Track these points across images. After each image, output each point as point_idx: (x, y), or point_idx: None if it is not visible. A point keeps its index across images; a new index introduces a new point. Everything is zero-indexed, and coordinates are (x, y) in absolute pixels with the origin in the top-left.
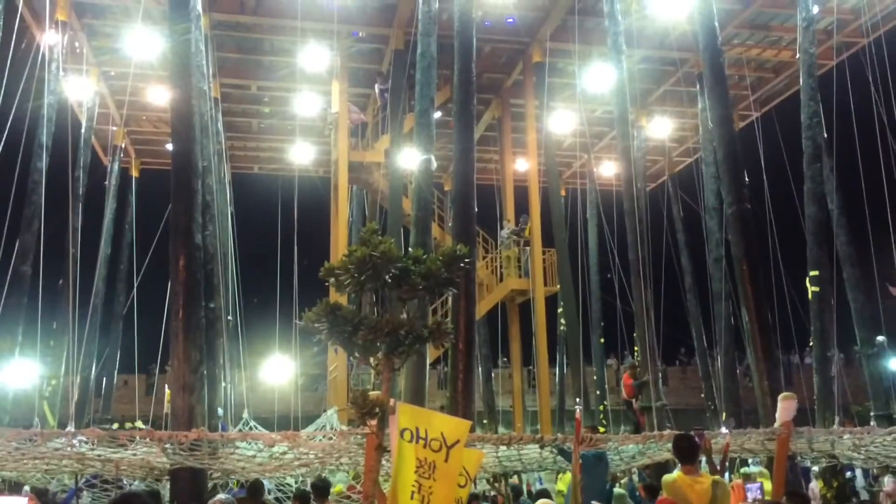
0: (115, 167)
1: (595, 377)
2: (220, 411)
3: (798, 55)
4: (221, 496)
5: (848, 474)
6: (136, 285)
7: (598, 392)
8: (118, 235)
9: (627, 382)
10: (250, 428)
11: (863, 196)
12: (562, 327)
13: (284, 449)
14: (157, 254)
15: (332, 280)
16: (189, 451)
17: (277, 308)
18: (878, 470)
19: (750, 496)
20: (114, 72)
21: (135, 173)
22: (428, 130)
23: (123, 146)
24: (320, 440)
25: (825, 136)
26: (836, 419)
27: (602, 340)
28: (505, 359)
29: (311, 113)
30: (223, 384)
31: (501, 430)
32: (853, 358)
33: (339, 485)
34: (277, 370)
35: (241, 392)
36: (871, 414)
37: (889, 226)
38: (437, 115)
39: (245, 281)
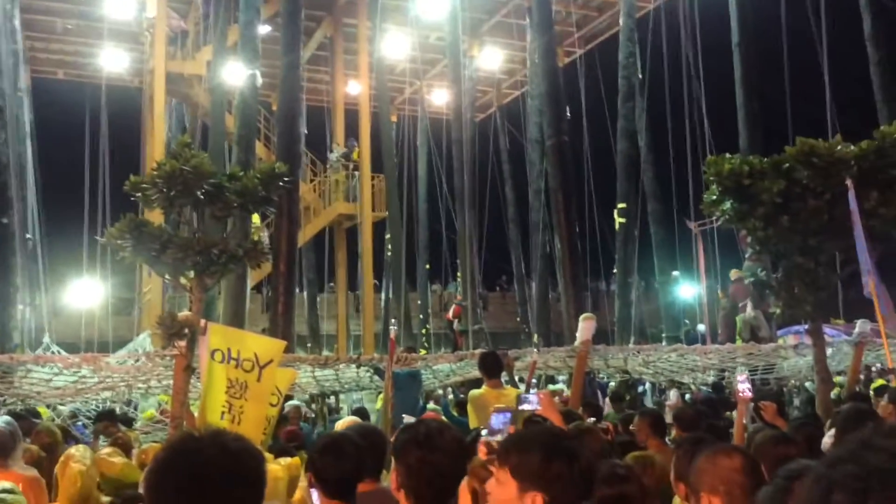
0: None
1: (419, 302)
2: (18, 338)
3: None
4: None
5: (640, 389)
6: None
7: (421, 316)
8: None
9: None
10: (52, 353)
11: (668, 136)
12: (389, 253)
13: (86, 372)
14: None
15: (139, 196)
16: None
17: (85, 227)
18: (666, 384)
19: (526, 406)
20: None
21: None
22: (253, 44)
23: None
24: (126, 363)
25: (640, 76)
26: (632, 339)
27: (427, 266)
28: (331, 283)
29: (125, 15)
30: (20, 307)
31: (326, 353)
32: (652, 285)
33: (150, 409)
34: (85, 293)
35: (42, 315)
36: (663, 335)
37: (688, 166)
38: (267, 29)
39: (48, 197)
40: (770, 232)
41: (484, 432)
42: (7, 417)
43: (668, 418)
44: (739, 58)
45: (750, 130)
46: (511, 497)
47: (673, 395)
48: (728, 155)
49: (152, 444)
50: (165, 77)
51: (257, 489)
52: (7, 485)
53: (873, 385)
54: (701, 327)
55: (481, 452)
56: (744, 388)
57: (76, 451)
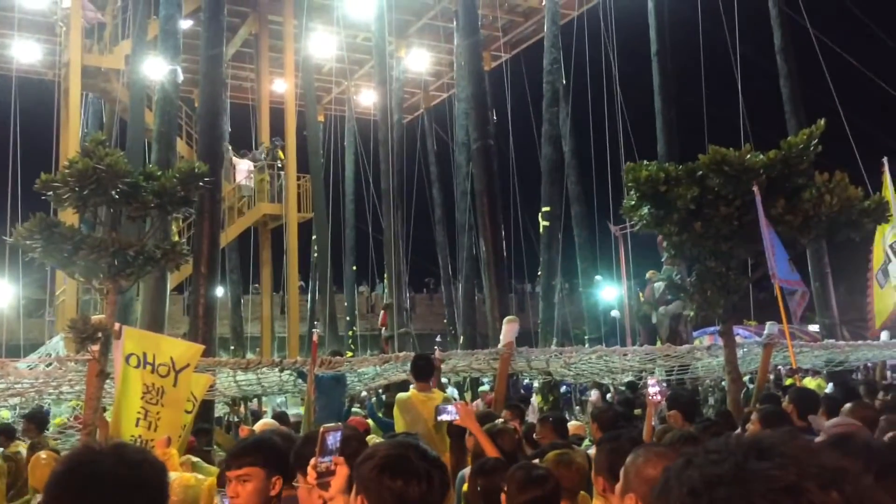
0: None
1: (346, 304)
2: None
3: (544, 1)
4: None
5: (563, 388)
6: None
7: (348, 318)
8: None
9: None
10: None
11: (591, 141)
12: (315, 254)
13: None
14: None
15: (50, 194)
16: None
17: None
18: (589, 384)
19: (444, 417)
20: None
21: None
22: (174, 39)
23: None
24: (34, 368)
25: (564, 82)
26: (555, 341)
27: (354, 268)
28: (256, 285)
29: (38, 4)
30: None
31: (249, 356)
32: (575, 288)
33: (62, 416)
34: None
35: None
36: (586, 337)
37: (608, 170)
38: (189, 23)
39: None
40: (684, 237)
41: (441, 417)
42: None
43: (584, 417)
44: (657, 66)
45: (667, 137)
46: None
47: (594, 393)
48: (646, 162)
49: (49, 452)
50: (81, 70)
51: (158, 501)
52: None
53: (787, 382)
54: (615, 313)
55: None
56: (653, 391)
57: (45, 453)
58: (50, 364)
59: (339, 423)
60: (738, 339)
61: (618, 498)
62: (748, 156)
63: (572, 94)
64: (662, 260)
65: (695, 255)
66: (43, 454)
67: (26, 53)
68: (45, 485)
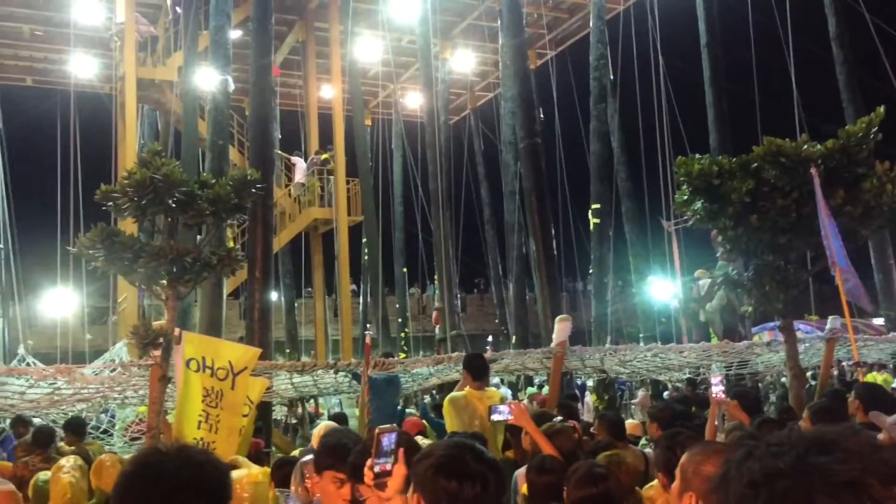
0: None
1: (398, 305)
2: None
3: None
4: None
5: (620, 388)
6: None
7: (399, 320)
8: None
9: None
10: (27, 364)
11: (641, 136)
12: (365, 257)
13: (61, 384)
14: None
15: (111, 205)
16: None
17: (58, 235)
18: (636, 384)
19: (497, 417)
20: None
21: None
22: (224, 49)
23: None
24: (100, 373)
25: (611, 77)
26: (608, 339)
27: (405, 270)
28: (309, 288)
29: (93, 21)
30: None
31: (304, 358)
32: (627, 285)
33: (129, 418)
34: (59, 303)
35: (17, 327)
36: (641, 335)
37: (659, 165)
38: (238, 33)
39: (20, 207)
40: (740, 231)
41: (494, 417)
42: None
43: (639, 416)
44: (708, 58)
45: (719, 130)
46: None
47: (641, 393)
48: (698, 155)
49: (110, 455)
50: (136, 83)
51: (221, 501)
52: (47, 474)
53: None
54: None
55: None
56: (717, 389)
57: (66, 461)
58: (114, 370)
59: (395, 425)
60: (798, 335)
61: (675, 496)
62: (805, 146)
63: (620, 89)
64: (717, 255)
65: (751, 249)
66: (106, 457)
67: (83, 69)
68: (113, 485)
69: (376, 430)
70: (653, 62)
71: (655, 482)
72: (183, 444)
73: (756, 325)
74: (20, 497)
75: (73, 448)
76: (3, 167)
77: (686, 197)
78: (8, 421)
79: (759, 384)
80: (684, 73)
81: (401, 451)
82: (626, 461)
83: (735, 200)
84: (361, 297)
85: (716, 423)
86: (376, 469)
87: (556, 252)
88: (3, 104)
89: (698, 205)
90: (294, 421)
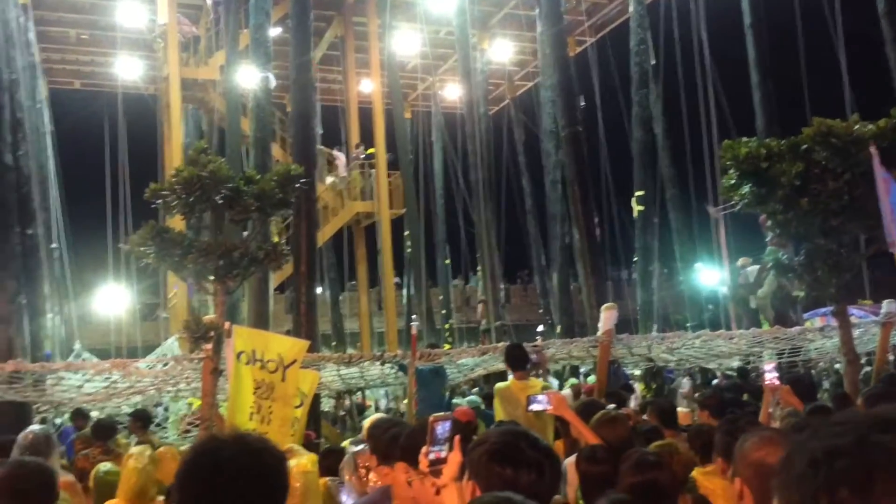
0: None
1: (441, 297)
2: (49, 346)
3: None
4: (34, 427)
5: (670, 377)
6: None
7: (444, 311)
8: None
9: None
10: (82, 360)
11: (684, 121)
12: (408, 249)
13: (116, 378)
14: None
15: (160, 203)
16: (8, 383)
17: (109, 234)
18: (681, 373)
19: (536, 407)
20: None
21: None
22: (265, 47)
23: None
24: (152, 367)
25: (653, 62)
26: (654, 327)
27: (447, 261)
28: (353, 282)
29: (137, 24)
30: (49, 315)
31: (350, 351)
32: (673, 272)
33: (182, 411)
34: (111, 299)
35: (72, 324)
36: (688, 325)
37: (704, 149)
38: (277, 31)
39: (71, 206)
40: (790, 215)
41: (532, 407)
42: (41, 425)
43: (684, 406)
44: (752, 39)
45: (766, 112)
46: None
47: (686, 382)
48: (745, 138)
49: (168, 447)
50: (180, 83)
51: (279, 488)
52: (108, 466)
53: None
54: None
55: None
56: (771, 376)
57: (136, 450)
58: (166, 364)
59: (449, 413)
60: (852, 320)
61: (731, 480)
62: (856, 126)
63: (662, 73)
64: (767, 240)
65: (802, 233)
66: (165, 450)
67: (128, 71)
68: (175, 474)
69: (430, 418)
70: (695, 45)
71: (708, 468)
72: (241, 433)
73: (808, 310)
74: (80, 488)
75: (127, 442)
76: (56, 168)
77: (733, 181)
78: (66, 415)
79: (812, 371)
80: (728, 55)
81: (456, 438)
82: (678, 451)
83: (785, 184)
84: (405, 290)
85: (769, 410)
86: (431, 456)
87: (599, 240)
88: (53, 107)
89: (746, 189)
90: (342, 413)
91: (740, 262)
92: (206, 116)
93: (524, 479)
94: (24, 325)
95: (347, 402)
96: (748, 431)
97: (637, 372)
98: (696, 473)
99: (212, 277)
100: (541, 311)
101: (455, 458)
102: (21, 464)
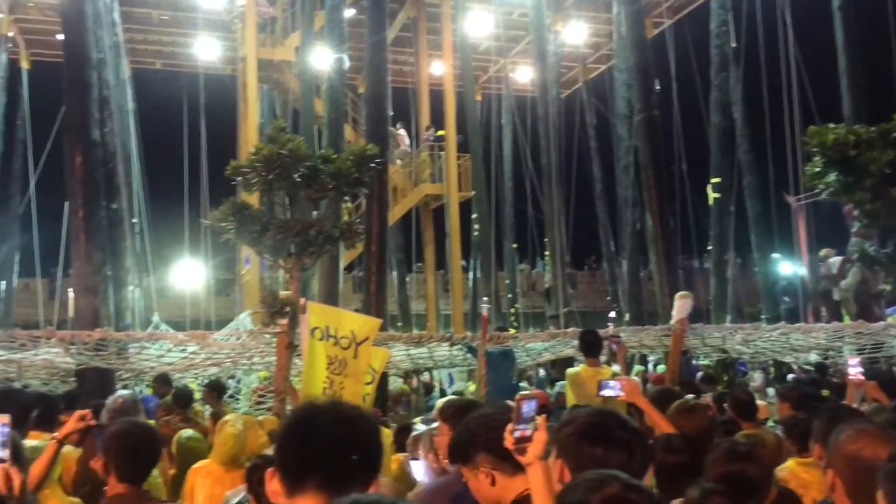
0: (3, 58)
1: (507, 281)
2: (129, 318)
3: None
4: (122, 392)
5: (742, 371)
6: (32, 185)
7: (510, 296)
8: (10, 131)
9: None
10: (161, 331)
11: (765, 106)
12: (475, 232)
13: (195, 349)
14: (53, 152)
15: (240, 180)
16: (94, 351)
17: (186, 211)
18: (751, 366)
19: (607, 392)
20: None
21: (25, 65)
22: (340, 28)
23: (11, 35)
24: (229, 340)
25: (733, 45)
26: (728, 318)
27: (515, 245)
28: (420, 263)
29: (216, 5)
30: (130, 287)
31: (417, 332)
32: (748, 263)
33: (255, 383)
34: (188, 274)
35: (150, 296)
36: (762, 317)
37: (786, 136)
38: (352, 12)
39: (152, 183)
40: (878, 205)
41: (603, 392)
42: (128, 391)
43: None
44: (841, 22)
45: (854, 98)
46: None
47: (758, 376)
48: (832, 125)
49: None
50: (257, 64)
51: (374, 454)
52: (189, 432)
53: None
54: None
55: None
56: (855, 371)
57: (232, 417)
58: (240, 338)
59: (536, 392)
60: None
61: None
62: None
63: (743, 57)
64: (852, 231)
65: (890, 223)
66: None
67: (207, 51)
68: (274, 439)
69: (517, 397)
70: (779, 27)
71: (787, 463)
72: (336, 400)
73: (892, 305)
74: (164, 452)
75: (202, 410)
76: (138, 146)
77: (818, 169)
78: (144, 383)
79: (894, 368)
80: (814, 39)
81: (542, 417)
82: (766, 441)
83: (874, 172)
84: (471, 273)
85: (854, 405)
86: (516, 434)
87: (672, 227)
88: (135, 87)
89: (832, 177)
90: (409, 392)
91: (823, 252)
92: (280, 97)
93: (615, 459)
94: (110, 296)
95: (415, 382)
96: (846, 422)
97: (707, 362)
98: (792, 463)
99: (289, 254)
100: (608, 298)
101: (540, 436)
102: (133, 423)
